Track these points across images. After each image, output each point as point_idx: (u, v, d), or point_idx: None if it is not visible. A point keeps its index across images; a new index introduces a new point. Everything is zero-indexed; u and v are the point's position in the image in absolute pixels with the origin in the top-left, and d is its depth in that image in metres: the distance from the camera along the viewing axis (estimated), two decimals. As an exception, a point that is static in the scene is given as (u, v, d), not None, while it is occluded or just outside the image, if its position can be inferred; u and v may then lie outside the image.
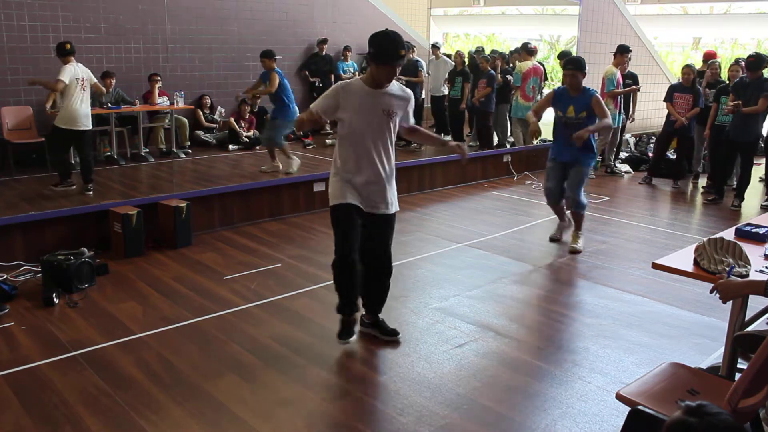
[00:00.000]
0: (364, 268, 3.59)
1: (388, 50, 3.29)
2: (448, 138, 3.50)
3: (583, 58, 5.55)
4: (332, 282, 3.63)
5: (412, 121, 3.68)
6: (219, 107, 9.36)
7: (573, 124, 5.30)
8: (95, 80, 6.55)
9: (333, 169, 3.60)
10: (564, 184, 5.55)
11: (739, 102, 6.94)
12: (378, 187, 3.53)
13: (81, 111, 6.18)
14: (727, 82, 8.06)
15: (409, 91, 3.59)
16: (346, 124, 3.44)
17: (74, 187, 6.24)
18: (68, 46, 6.20)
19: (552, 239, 5.86)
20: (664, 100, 8.35)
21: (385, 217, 3.61)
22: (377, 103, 3.42)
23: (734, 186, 7.72)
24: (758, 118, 7.15)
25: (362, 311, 3.90)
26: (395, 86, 3.51)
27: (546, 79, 9.71)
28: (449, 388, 3.28)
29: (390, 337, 3.80)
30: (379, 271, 3.70)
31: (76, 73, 6.14)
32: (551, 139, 5.76)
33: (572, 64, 5.34)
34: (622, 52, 8.46)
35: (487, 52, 10.89)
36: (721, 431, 1.44)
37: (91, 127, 6.38)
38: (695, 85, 8.12)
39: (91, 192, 6.15)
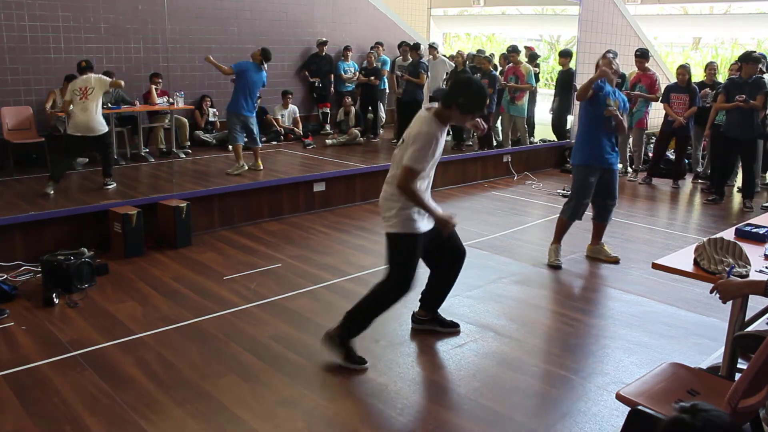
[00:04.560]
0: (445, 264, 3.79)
1: (477, 105, 3.40)
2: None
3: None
4: (329, 283, 3.61)
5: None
6: (211, 109, 9.31)
7: None
8: (107, 81, 6.41)
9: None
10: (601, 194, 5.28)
11: (742, 97, 6.92)
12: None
13: (79, 119, 6.20)
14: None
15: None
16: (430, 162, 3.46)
17: (51, 191, 6.01)
18: (83, 63, 6.44)
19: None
20: (662, 101, 8.35)
21: None
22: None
23: (738, 187, 7.70)
24: (757, 115, 7.14)
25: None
26: None
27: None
28: (449, 388, 3.28)
29: (450, 329, 3.91)
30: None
31: (74, 85, 6.27)
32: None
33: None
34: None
35: (487, 53, 10.88)
36: (716, 426, 1.46)
37: (101, 132, 6.34)
38: (691, 85, 8.13)
39: (109, 187, 6.32)
